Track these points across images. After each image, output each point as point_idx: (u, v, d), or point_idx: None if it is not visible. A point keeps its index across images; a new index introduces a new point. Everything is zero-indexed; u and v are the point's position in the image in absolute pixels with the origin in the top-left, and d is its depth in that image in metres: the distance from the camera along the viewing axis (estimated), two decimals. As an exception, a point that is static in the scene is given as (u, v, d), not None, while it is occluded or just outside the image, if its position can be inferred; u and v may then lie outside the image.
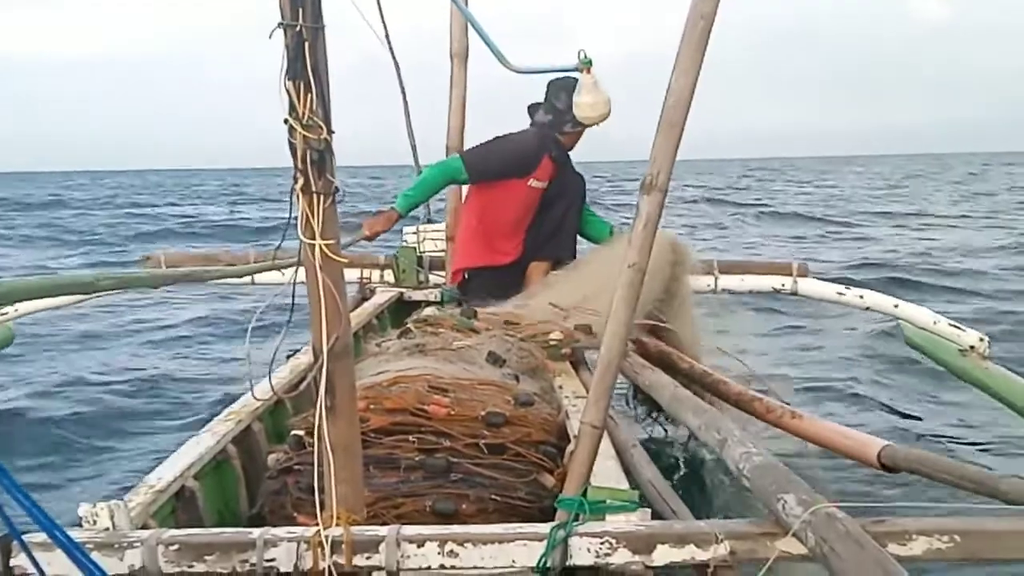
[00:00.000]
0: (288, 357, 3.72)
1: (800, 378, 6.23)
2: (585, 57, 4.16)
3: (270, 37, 1.89)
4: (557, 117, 4.69)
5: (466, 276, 4.98)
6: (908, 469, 2.43)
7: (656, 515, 2.25)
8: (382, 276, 5.62)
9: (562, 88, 4.62)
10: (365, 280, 5.54)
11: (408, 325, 3.86)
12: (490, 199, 4.85)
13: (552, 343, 3.61)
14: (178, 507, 2.57)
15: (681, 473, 3.94)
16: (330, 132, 1.95)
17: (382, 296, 5.27)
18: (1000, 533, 2.02)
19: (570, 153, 4.85)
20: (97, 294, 3.31)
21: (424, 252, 5.68)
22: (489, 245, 4.90)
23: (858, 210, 25.49)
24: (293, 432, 2.81)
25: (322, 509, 2.08)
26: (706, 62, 2.03)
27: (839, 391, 5.85)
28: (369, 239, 4.66)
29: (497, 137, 4.89)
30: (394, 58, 5.27)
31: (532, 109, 4.83)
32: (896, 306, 5.16)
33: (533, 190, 4.76)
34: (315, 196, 1.95)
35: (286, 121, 1.92)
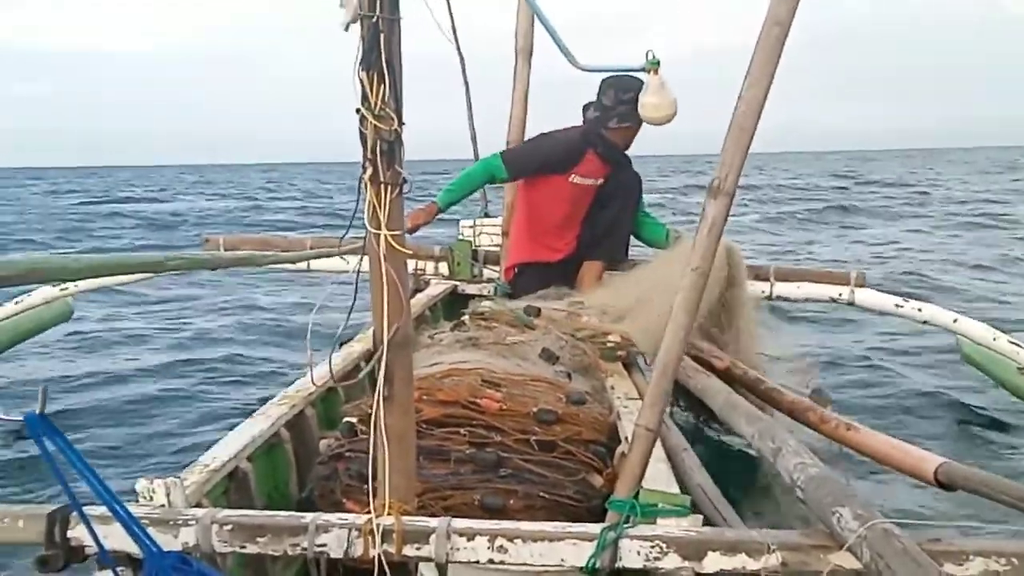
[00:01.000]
0: (341, 345, 3.75)
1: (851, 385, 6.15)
2: (653, 58, 4.15)
3: (346, 29, 1.91)
4: (603, 113, 4.71)
5: (517, 271, 5.02)
6: (965, 488, 2.39)
7: (707, 521, 2.23)
8: (436, 268, 5.65)
9: (611, 85, 4.65)
10: (420, 271, 5.58)
11: (463, 318, 3.87)
12: (535, 195, 4.90)
13: (609, 345, 3.61)
14: (231, 487, 2.61)
15: (731, 480, 3.89)
16: (401, 124, 1.96)
17: (436, 288, 5.31)
18: (1060, 557, 1.98)
19: (628, 152, 4.85)
20: (162, 274, 3.38)
21: (479, 246, 5.70)
22: (538, 241, 4.93)
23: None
24: (346, 419, 2.83)
25: (374, 497, 2.09)
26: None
27: (894, 405, 5.76)
28: (410, 232, 4.69)
29: (541, 134, 4.96)
30: (459, 50, 5.28)
31: (586, 108, 4.85)
32: (955, 321, 5.10)
33: (577, 187, 4.77)
34: (383, 186, 1.96)
35: (358, 111, 1.94)
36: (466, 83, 5.69)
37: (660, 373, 2.12)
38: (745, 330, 4.16)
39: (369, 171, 1.95)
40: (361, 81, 1.91)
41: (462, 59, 5.37)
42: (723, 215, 2.05)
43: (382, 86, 1.91)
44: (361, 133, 1.95)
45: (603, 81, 4.72)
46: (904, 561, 1.69)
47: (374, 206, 1.97)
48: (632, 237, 5.11)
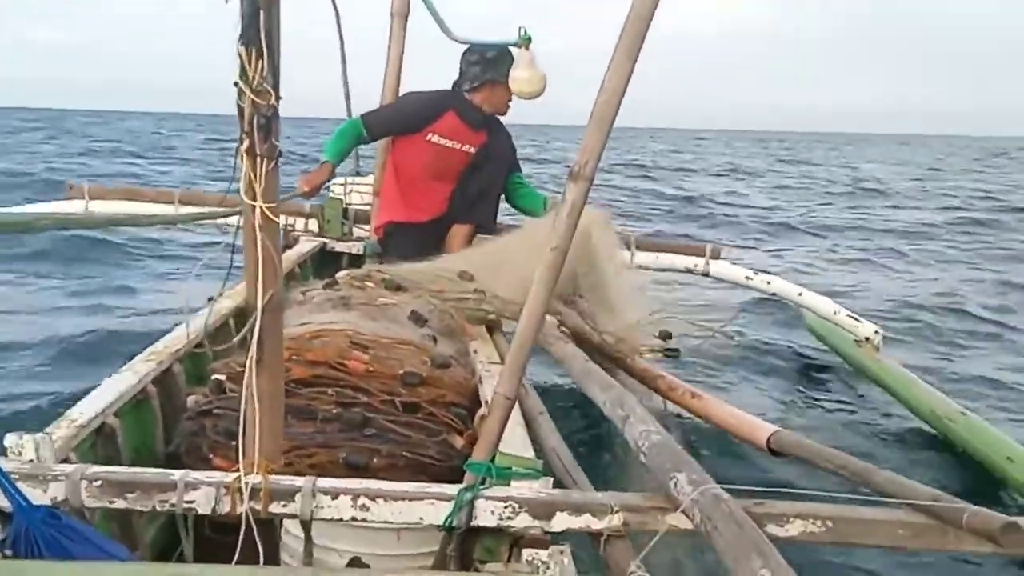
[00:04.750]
0: (208, 300, 3.76)
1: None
2: (525, 33, 4.28)
3: (226, 2, 1.95)
4: (459, 78, 4.88)
5: (386, 231, 5.10)
6: (793, 454, 2.62)
7: (558, 484, 2.38)
8: (306, 225, 5.64)
9: (465, 53, 4.83)
10: (289, 228, 5.56)
11: (336, 276, 3.92)
12: (399, 154, 5.00)
13: (479, 311, 3.71)
14: (98, 442, 2.64)
15: (586, 444, 4.07)
16: (278, 98, 2.01)
17: (305, 245, 5.32)
18: (870, 521, 2.18)
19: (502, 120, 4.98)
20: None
21: (350, 204, 5.70)
22: (406, 200, 5.01)
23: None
24: (214, 376, 2.88)
25: (242, 456, 2.16)
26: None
27: (743, 374, 6.08)
28: (308, 195, 4.72)
29: (404, 94, 5.13)
30: (335, 6, 5.26)
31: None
32: (800, 294, 5.42)
33: (436, 146, 4.86)
34: (259, 159, 2.01)
35: (236, 84, 1.98)
36: (340, 39, 5.65)
37: (519, 344, 2.23)
38: (614, 298, 4.31)
39: (246, 143, 2.00)
40: (240, 55, 1.95)
41: (337, 13, 5.35)
42: (582, 198, 2.15)
43: (260, 61, 1.95)
44: (239, 106, 1.99)
45: (465, 50, 4.86)
46: (728, 523, 1.85)
47: (250, 178, 2.02)
48: (511, 206, 5.25)
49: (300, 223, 5.65)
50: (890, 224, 16.49)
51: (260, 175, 2.03)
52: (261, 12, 1.94)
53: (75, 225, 2.64)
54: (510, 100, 4.81)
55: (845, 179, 29.22)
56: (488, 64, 4.76)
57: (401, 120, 4.94)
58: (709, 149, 53.51)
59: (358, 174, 5.95)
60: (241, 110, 2.00)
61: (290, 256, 4.97)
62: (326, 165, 4.73)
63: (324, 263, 5.26)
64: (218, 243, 2.26)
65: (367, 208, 5.56)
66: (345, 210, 5.63)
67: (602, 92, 2.14)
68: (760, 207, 19.00)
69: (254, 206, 2.03)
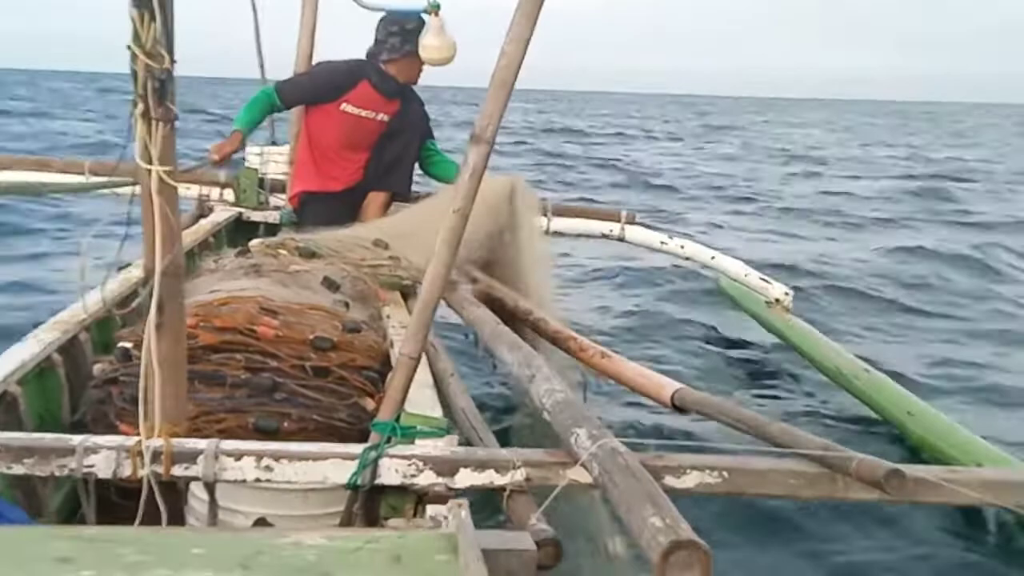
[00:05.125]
0: (119, 270, 3.72)
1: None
2: (434, 0, 4.28)
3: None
4: (375, 47, 4.88)
5: (301, 200, 5.10)
6: (695, 410, 2.69)
7: (465, 442, 2.42)
8: (222, 194, 5.60)
9: (381, 20, 4.83)
10: (204, 197, 5.51)
11: (249, 244, 3.90)
12: (312, 123, 5.01)
13: (394, 276, 3.73)
14: None
15: (497, 404, 4.13)
16: (172, 61, 2.00)
17: (220, 215, 5.28)
18: (764, 471, 2.25)
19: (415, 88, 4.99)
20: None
21: (266, 174, 5.66)
22: (320, 170, 5.03)
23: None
24: (120, 344, 2.86)
25: (144, 420, 2.16)
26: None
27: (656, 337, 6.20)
28: (218, 164, 4.70)
29: (318, 63, 5.14)
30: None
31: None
32: (713, 257, 5.54)
33: (350, 116, 4.88)
34: (154, 123, 2.00)
35: (129, 47, 1.96)
36: (253, 4, 5.58)
37: (422, 306, 2.26)
38: (531, 263, 4.35)
39: (140, 107, 1.99)
40: (132, 18, 1.93)
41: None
42: (483, 161, 2.19)
43: (153, 24, 1.94)
44: (133, 70, 1.97)
45: (381, 19, 4.85)
46: (625, 475, 1.90)
47: (145, 142, 2.01)
48: (425, 174, 5.27)
49: (215, 192, 5.59)
50: (814, 192, 16.81)
51: (155, 139, 2.02)
52: (152, -28, 1.93)
53: (-31, 194, 2.61)
54: (422, 69, 4.81)
55: (777, 144, 29.80)
56: (407, 35, 4.75)
57: (314, 89, 4.94)
58: (643, 112, 54.18)
59: (274, 143, 5.91)
60: (135, 73, 1.99)
61: (204, 225, 4.93)
62: (236, 134, 4.72)
63: (240, 233, 5.22)
64: (124, 215, 2.24)
65: (283, 177, 5.54)
66: (261, 179, 5.60)
67: (502, 56, 2.17)
68: (692, 174, 19.22)
69: (149, 170, 2.02)
